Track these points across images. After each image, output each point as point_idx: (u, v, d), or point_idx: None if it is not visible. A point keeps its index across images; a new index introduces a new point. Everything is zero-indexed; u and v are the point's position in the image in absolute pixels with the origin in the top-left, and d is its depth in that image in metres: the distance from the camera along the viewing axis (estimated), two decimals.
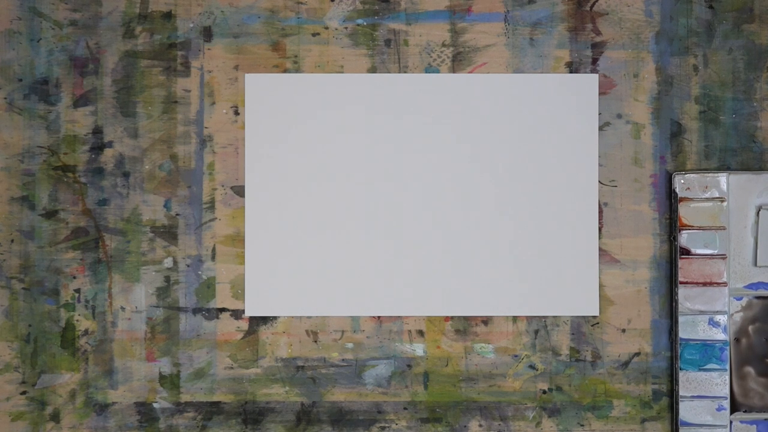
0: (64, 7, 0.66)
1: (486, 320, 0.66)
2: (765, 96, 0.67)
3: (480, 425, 0.66)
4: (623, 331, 0.66)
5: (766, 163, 0.66)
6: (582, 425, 0.66)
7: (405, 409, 0.66)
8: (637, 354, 0.66)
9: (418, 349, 0.66)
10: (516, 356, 0.66)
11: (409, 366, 0.66)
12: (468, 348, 0.66)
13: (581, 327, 0.66)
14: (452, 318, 0.66)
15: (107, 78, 0.66)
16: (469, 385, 0.66)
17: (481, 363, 0.66)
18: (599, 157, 0.66)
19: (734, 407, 0.64)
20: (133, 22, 0.66)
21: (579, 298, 0.66)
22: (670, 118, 0.67)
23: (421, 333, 0.66)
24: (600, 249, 0.66)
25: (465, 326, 0.66)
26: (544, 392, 0.66)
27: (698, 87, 0.67)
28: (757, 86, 0.67)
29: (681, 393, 0.64)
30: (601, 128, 0.66)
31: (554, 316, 0.66)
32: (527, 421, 0.66)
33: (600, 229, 0.66)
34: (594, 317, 0.66)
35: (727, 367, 0.64)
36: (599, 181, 0.66)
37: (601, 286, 0.66)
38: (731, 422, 0.64)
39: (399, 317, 0.66)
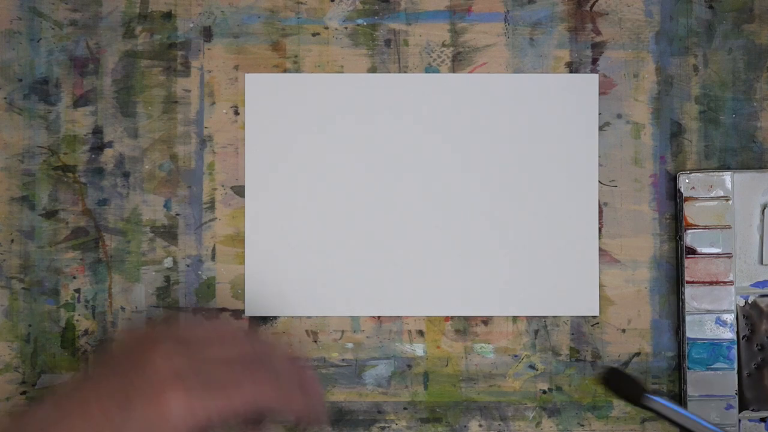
0: (64, 7, 0.66)
1: (486, 320, 0.66)
2: (765, 96, 0.67)
3: (480, 425, 0.66)
4: (623, 331, 0.66)
5: (767, 162, 0.66)
6: (582, 425, 0.66)
7: (405, 409, 0.66)
8: (637, 354, 0.66)
9: (418, 349, 0.66)
10: (516, 356, 0.66)
11: (409, 366, 0.66)
12: (468, 348, 0.66)
13: (581, 327, 0.66)
14: (452, 318, 0.66)
15: (107, 78, 0.66)
16: (469, 385, 0.66)
17: (481, 363, 0.66)
18: (599, 157, 0.66)
19: (743, 406, 0.64)
20: (133, 22, 0.66)
21: (579, 298, 0.66)
22: (670, 118, 0.67)
23: (421, 333, 0.66)
24: (600, 249, 0.66)
25: (465, 326, 0.66)
26: (544, 392, 0.66)
27: (698, 87, 0.67)
28: (757, 86, 0.67)
29: (689, 392, 0.64)
30: (601, 128, 0.66)
31: (554, 316, 0.66)
32: (527, 421, 0.66)
33: (600, 229, 0.66)
34: (594, 317, 0.66)
35: (735, 366, 0.64)
36: (599, 181, 0.66)
37: (601, 286, 0.66)
38: (740, 421, 0.64)
39: (399, 317, 0.66)
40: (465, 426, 0.66)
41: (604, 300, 0.66)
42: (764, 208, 0.65)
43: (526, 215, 0.66)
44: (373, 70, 0.66)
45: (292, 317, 0.66)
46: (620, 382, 0.62)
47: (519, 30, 0.67)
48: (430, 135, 0.66)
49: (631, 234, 0.66)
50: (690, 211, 0.65)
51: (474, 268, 0.65)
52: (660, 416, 0.59)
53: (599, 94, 0.66)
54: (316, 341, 0.66)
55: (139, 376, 0.48)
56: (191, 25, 0.67)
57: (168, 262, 0.66)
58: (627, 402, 0.62)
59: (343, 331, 0.66)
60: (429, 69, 0.66)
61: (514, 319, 0.66)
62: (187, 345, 0.50)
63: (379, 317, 0.66)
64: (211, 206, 0.66)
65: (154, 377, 0.48)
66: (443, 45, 0.66)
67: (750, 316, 0.64)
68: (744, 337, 0.64)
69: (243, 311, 0.66)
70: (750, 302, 0.64)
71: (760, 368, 0.64)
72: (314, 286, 0.66)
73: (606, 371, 0.63)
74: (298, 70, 0.66)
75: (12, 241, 0.66)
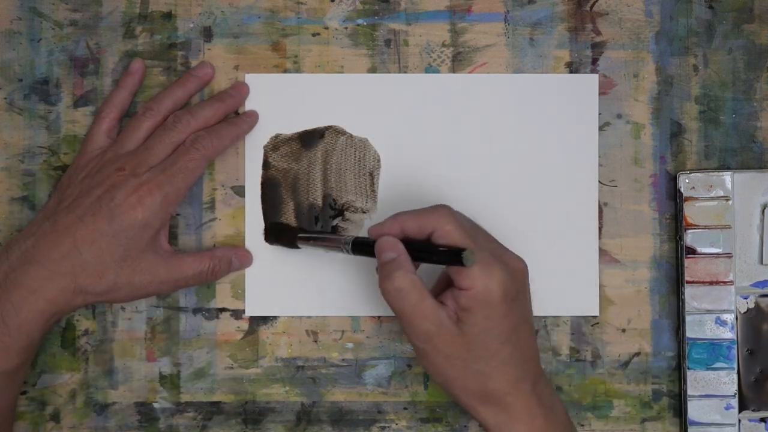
0: (64, 7, 0.66)
1: None
2: (765, 96, 0.67)
3: (480, 425, 0.66)
4: (623, 331, 0.66)
5: (767, 162, 0.66)
6: (582, 425, 0.66)
7: (405, 409, 0.66)
8: (637, 354, 0.66)
9: None
10: None
11: (409, 366, 0.66)
12: None
13: (581, 327, 0.66)
14: None
15: (107, 78, 0.66)
16: None
17: None
18: (599, 157, 0.66)
19: (743, 405, 0.64)
20: (133, 22, 0.66)
21: (579, 298, 0.66)
22: (670, 118, 0.67)
23: None
24: (600, 249, 0.66)
25: None
26: None
27: (698, 87, 0.67)
28: (757, 86, 0.67)
29: (689, 392, 0.64)
30: (601, 128, 0.66)
31: (554, 316, 0.66)
32: None
33: (600, 229, 0.66)
34: (594, 317, 0.66)
35: (735, 365, 0.64)
36: (599, 181, 0.66)
37: (601, 286, 0.66)
38: (740, 421, 0.64)
39: None
40: (465, 426, 0.66)
41: (604, 300, 0.66)
42: (764, 208, 0.65)
43: (526, 215, 0.65)
44: (373, 70, 0.66)
45: (292, 317, 0.66)
46: (279, 233, 0.65)
47: (519, 30, 0.67)
48: (430, 135, 0.66)
49: (631, 234, 0.66)
50: (690, 211, 0.65)
51: None
52: (318, 246, 0.63)
53: (599, 94, 0.66)
54: (316, 341, 0.66)
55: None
56: (191, 25, 0.67)
57: None
58: (288, 247, 0.64)
59: (343, 331, 0.66)
60: (429, 69, 0.66)
61: None
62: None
63: (379, 317, 0.66)
64: (211, 206, 0.66)
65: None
66: (443, 45, 0.66)
67: (753, 323, 0.64)
68: (748, 350, 0.64)
69: (243, 311, 0.66)
70: (752, 307, 0.64)
71: (763, 373, 0.64)
72: (314, 286, 0.66)
73: (268, 227, 0.65)
74: (298, 70, 0.66)
75: None
